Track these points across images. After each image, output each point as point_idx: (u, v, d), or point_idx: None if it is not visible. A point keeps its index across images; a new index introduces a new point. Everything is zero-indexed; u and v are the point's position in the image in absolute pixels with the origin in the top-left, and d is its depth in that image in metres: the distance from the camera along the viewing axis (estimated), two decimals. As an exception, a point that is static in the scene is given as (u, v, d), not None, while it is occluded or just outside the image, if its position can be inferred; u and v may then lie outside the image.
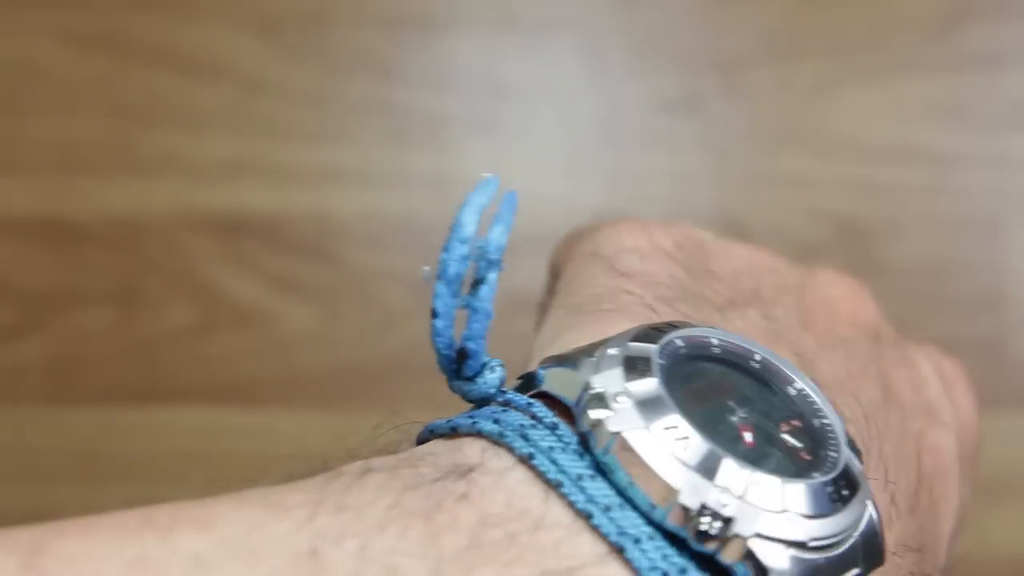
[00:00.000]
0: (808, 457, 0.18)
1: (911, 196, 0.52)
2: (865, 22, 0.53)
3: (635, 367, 0.18)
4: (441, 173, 0.52)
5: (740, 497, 0.16)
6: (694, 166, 0.52)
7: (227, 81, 0.52)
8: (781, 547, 0.17)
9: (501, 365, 0.19)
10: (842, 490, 0.18)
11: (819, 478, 0.17)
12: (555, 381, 0.19)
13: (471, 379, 0.19)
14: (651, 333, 0.19)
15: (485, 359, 0.19)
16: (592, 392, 0.17)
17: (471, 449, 0.18)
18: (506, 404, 0.19)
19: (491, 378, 0.19)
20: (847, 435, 0.19)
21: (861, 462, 0.19)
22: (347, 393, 0.50)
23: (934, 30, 0.53)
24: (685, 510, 0.16)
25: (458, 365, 0.18)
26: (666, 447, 0.17)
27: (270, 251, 0.51)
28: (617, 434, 0.17)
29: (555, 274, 0.27)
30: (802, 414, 0.19)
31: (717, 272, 0.25)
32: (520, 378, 0.20)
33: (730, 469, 0.17)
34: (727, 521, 0.16)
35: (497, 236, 0.18)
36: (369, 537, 0.15)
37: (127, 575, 0.15)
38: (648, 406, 0.17)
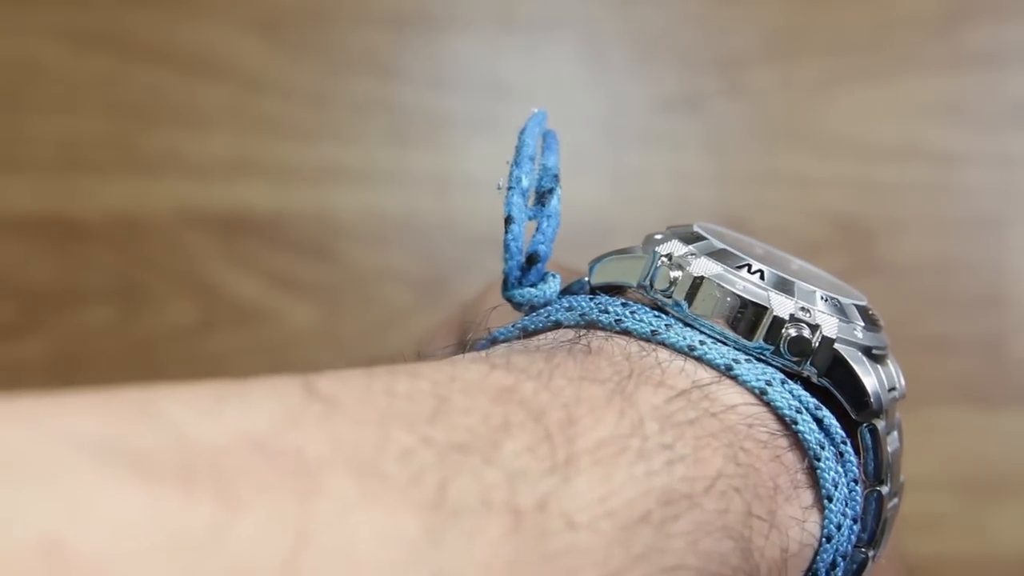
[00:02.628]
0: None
1: (912, 195, 0.52)
2: (866, 21, 0.53)
3: (688, 236, 0.20)
4: (442, 172, 0.52)
5: (818, 309, 0.19)
6: (695, 165, 0.52)
7: (228, 80, 0.52)
8: (857, 351, 0.19)
9: (555, 276, 0.20)
10: (875, 315, 0.20)
11: (863, 301, 0.20)
12: (604, 274, 0.20)
13: (534, 285, 0.20)
14: (675, 226, 0.21)
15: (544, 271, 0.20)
16: (662, 256, 0.19)
17: (561, 334, 0.19)
18: (568, 305, 0.20)
19: (553, 282, 0.20)
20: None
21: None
22: (348, 392, 0.50)
23: (935, 29, 0.53)
24: (775, 324, 0.18)
25: (523, 273, 0.20)
26: (746, 279, 0.19)
27: (271, 250, 0.51)
28: (701, 279, 0.19)
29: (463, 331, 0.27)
30: (817, 278, 0.21)
31: None
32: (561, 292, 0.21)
33: (803, 289, 0.19)
34: (814, 328, 0.18)
35: (553, 164, 0.20)
36: (544, 378, 0.16)
37: (387, 394, 0.15)
38: (717, 256, 0.19)
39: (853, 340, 0.19)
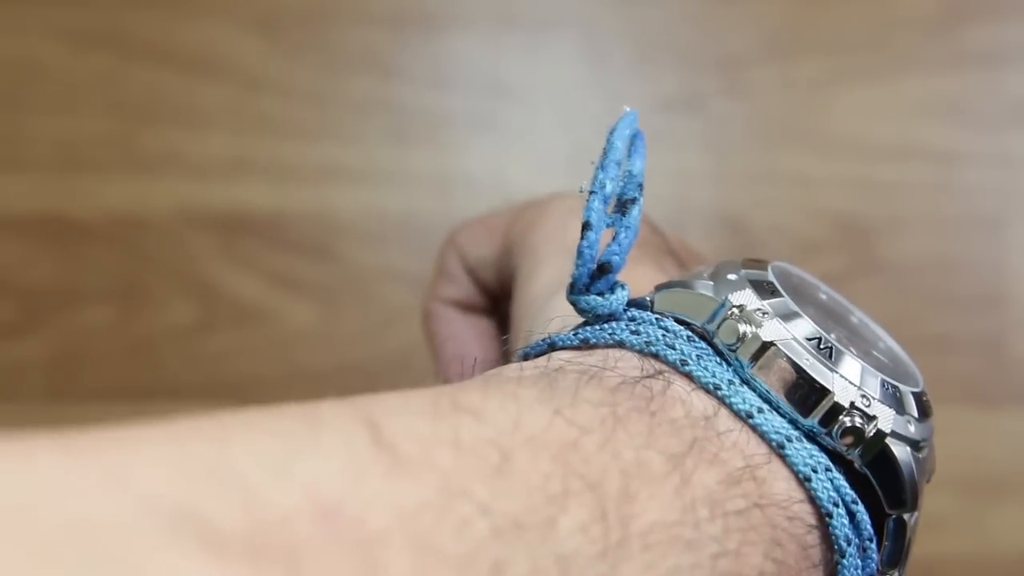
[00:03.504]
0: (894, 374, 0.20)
1: (912, 194, 0.52)
2: (866, 21, 0.53)
3: (763, 288, 0.20)
4: (442, 171, 0.52)
5: (877, 399, 0.18)
6: (695, 164, 0.52)
7: (228, 79, 0.52)
8: (905, 447, 0.19)
9: (624, 287, 0.20)
10: (927, 403, 0.20)
11: (919, 388, 0.20)
12: (670, 303, 0.20)
13: (601, 294, 0.19)
14: (750, 263, 0.20)
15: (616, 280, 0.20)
16: (734, 307, 0.19)
17: (621, 359, 0.19)
18: (632, 320, 0.20)
19: (621, 294, 0.19)
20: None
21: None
22: (348, 391, 0.50)
23: (935, 28, 0.53)
24: (834, 408, 0.18)
25: (592, 280, 0.19)
26: (815, 355, 0.18)
27: (271, 249, 0.51)
28: (771, 344, 0.18)
29: (512, 245, 0.27)
30: (876, 339, 0.21)
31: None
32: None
33: (869, 375, 0.19)
34: (871, 419, 0.18)
35: (639, 171, 0.20)
36: (607, 430, 0.16)
37: (452, 446, 0.15)
38: (789, 320, 0.19)
39: (905, 435, 0.19)
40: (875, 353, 0.20)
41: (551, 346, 0.20)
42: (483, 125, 0.52)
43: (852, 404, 0.18)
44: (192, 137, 0.52)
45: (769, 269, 0.20)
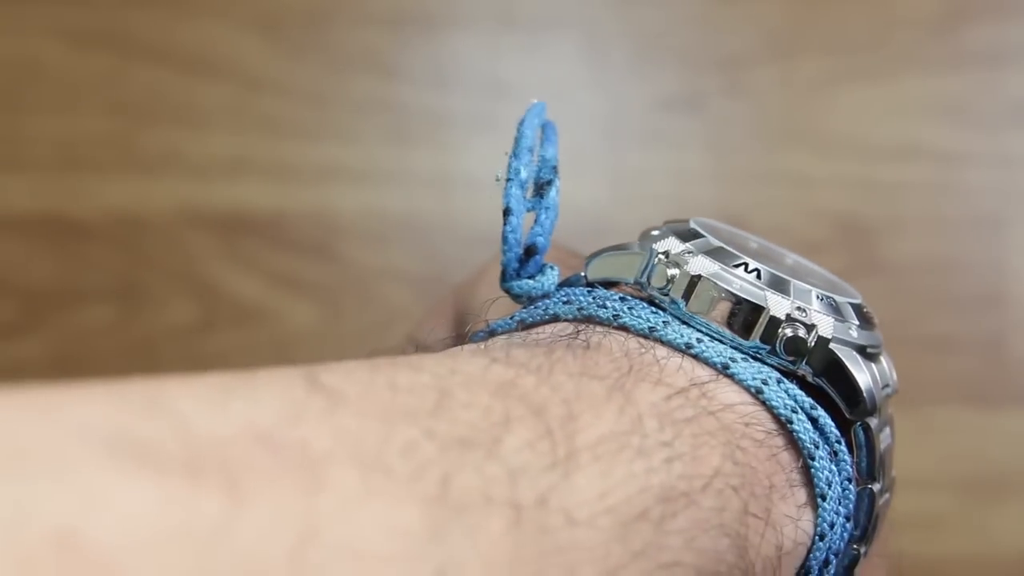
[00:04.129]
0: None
1: (912, 195, 0.52)
2: (866, 21, 0.53)
3: (686, 234, 0.20)
4: (442, 171, 0.52)
5: (814, 309, 0.19)
6: (695, 164, 0.52)
7: (228, 79, 0.52)
8: (853, 351, 0.19)
9: (554, 268, 0.20)
10: (869, 313, 0.20)
11: (857, 300, 0.20)
12: (601, 269, 0.21)
13: (532, 277, 0.20)
14: (672, 221, 0.21)
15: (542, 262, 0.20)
16: (659, 254, 0.20)
17: (560, 328, 0.19)
18: (565, 294, 0.20)
19: (551, 274, 0.20)
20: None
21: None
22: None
23: (935, 29, 0.53)
24: (772, 323, 0.19)
25: (521, 264, 0.20)
26: (743, 278, 0.19)
27: (271, 249, 0.51)
28: (699, 277, 0.19)
29: (462, 313, 0.26)
30: (811, 272, 0.21)
31: None
32: (559, 285, 0.21)
33: (799, 288, 0.19)
34: (810, 328, 0.19)
35: (552, 156, 0.21)
36: (544, 372, 0.17)
37: (390, 388, 0.15)
38: (714, 254, 0.20)
39: (848, 339, 0.19)
40: (810, 279, 0.21)
41: (490, 333, 0.20)
42: (483, 125, 0.52)
43: (788, 316, 0.19)
44: (192, 137, 0.52)
45: (691, 220, 0.21)
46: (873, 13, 0.53)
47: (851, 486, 0.19)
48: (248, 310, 0.51)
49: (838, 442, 0.19)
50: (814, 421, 0.19)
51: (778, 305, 0.19)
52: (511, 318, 0.20)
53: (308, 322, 0.51)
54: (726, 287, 0.19)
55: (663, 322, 0.19)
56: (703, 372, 0.18)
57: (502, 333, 0.20)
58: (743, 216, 0.52)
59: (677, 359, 0.18)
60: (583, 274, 0.21)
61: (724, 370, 0.19)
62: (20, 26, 0.52)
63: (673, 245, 0.20)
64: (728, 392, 0.18)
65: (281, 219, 0.51)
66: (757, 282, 0.19)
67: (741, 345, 0.19)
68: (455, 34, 0.53)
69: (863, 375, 0.19)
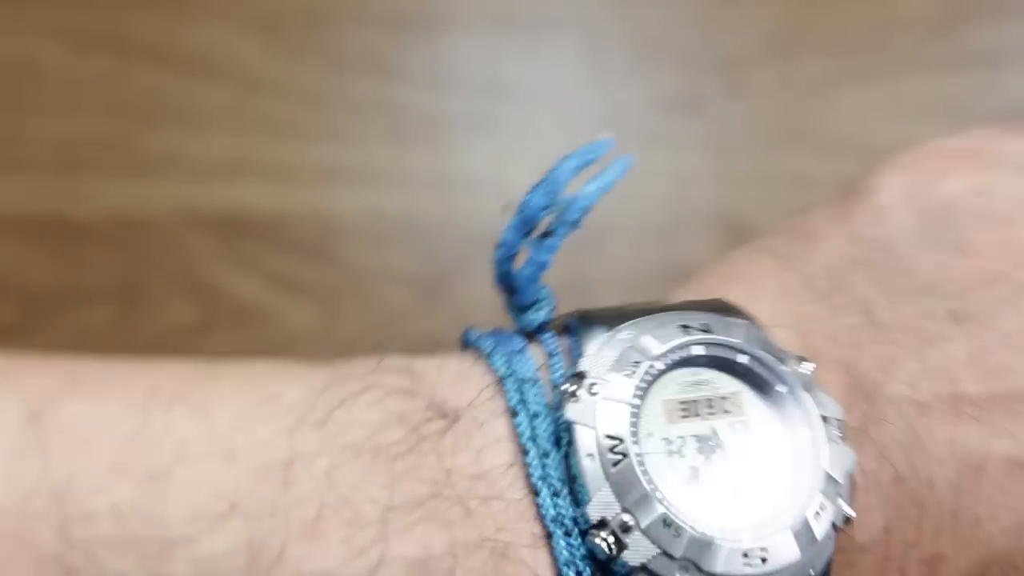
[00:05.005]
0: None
1: (911, 195, 0.52)
2: (865, 22, 0.53)
3: (627, 363, 0.19)
4: (442, 172, 0.52)
5: (642, 528, 0.18)
6: (694, 165, 0.52)
7: (228, 80, 0.52)
8: None
9: (551, 308, 0.21)
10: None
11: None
12: (588, 338, 0.20)
13: (523, 310, 0.21)
14: (678, 330, 0.20)
15: (539, 297, 0.20)
16: (576, 372, 0.19)
17: (471, 386, 0.19)
18: (538, 342, 0.20)
19: (535, 316, 0.20)
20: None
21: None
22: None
23: (934, 30, 0.53)
24: (600, 524, 0.18)
25: (510, 295, 0.20)
26: (598, 458, 0.18)
27: (271, 250, 0.51)
28: (572, 423, 0.19)
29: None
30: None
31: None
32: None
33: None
34: (621, 546, 0.18)
35: (586, 195, 0.20)
36: (339, 464, 0.17)
37: (118, 452, 0.17)
38: (610, 409, 0.19)
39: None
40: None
41: (465, 341, 0.21)
42: (483, 126, 0.52)
43: (603, 520, 0.18)
44: (192, 138, 0.52)
45: (680, 341, 0.20)
46: (873, 14, 0.53)
47: None
48: (248, 311, 0.51)
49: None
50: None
51: (601, 507, 0.18)
52: (482, 336, 0.21)
53: (307, 323, 0.51)
54: (577, 453, 0.19)
55: (543, 452, 0.19)
56: (528, 531, 0.18)
57: (471, 347, 0.21)
58: (743, 216, 0.52)
59: (513, 509, 0.18)
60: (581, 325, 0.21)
61: (549, 539, 0.18)
62: (20, 27, 0.52)
63: (596, 368, 0.19)
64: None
65: (281, 220, 0.51)
66: (608, 471, 0.18)
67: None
68: (454, 35, 0.53)
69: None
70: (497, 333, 0.21)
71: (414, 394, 0.19)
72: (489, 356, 0.20)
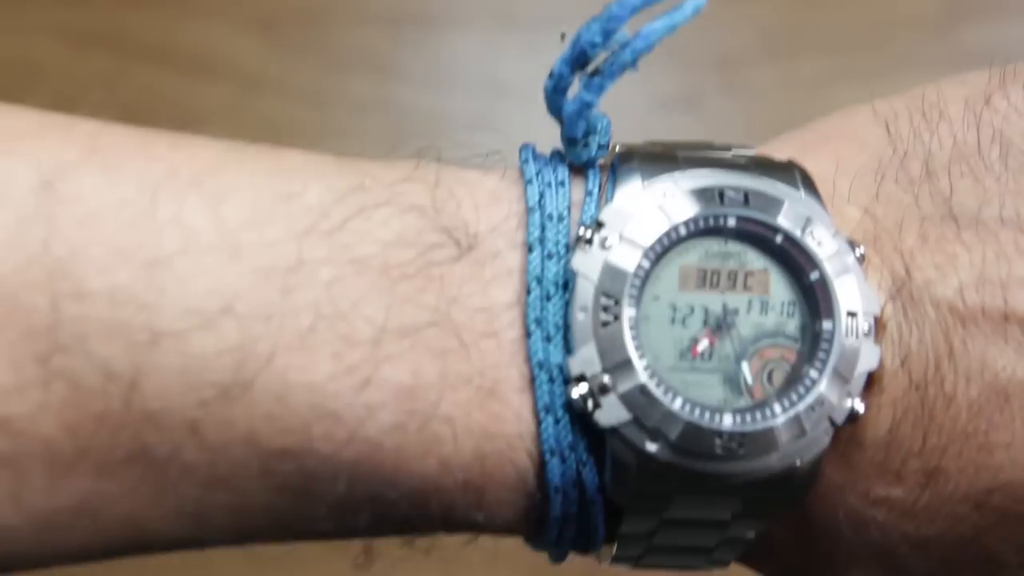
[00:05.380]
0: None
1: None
2: (864, 21, 0.53)
3: (647, 222, 0.19)
4: (441, 171, 0.52)
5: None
6: (694, 164, 0.52)
7: (227, 79, 0.52)
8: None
9: (602, 144, 0.20)
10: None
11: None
12: (622, 183, 0.19)
13: (572, 143, 0.20)
14: (713, 196, 0.19)
15: (592, 130, 0.20)
16: (598, 220, 0.19)
17: (498, 211, 0.19)
18: (585, 169, 0.20)
19: (583, 152, 0.20)
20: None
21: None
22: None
23: (933, 28, 0.53)
24: (580, 378, 0.18)
25: (560, 126, 0.20)
26: (590, 314, 0.18)
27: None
28: (574, 272, 0.18)
29: None
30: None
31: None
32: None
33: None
34: (596, 405, 0.18)
35: (645, 36, 0.19)
36: (342, 277, 0.17)
37: (122, 233, 0.17)
38: (614, 267, 0.18)
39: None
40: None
41: (523, 155, 0.20)
42: (482, 125, 0.52)
43: (582, 376, 0.18)
44: (191, 137, 0.52)
45: (718, 211, 0.19)
46: (872, 13, 0.53)
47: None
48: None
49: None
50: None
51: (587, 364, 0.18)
52: (534, 157, 0.20)
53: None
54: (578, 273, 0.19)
55: (547, 294, 0.19)
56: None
57: (530, 158, 0.20)
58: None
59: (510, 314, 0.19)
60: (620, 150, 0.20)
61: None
62: (20, 27, 0.52)
63: (615, 219, 0.19)
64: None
65: (280, 219, 0.51)
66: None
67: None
68: (454, 34, 0.53)
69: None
70: (546, 160, 0.20)
71: (436, 213, 0.18)
72: (528, 183, 0.19)
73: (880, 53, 0.53)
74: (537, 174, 0.20)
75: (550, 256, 0.19)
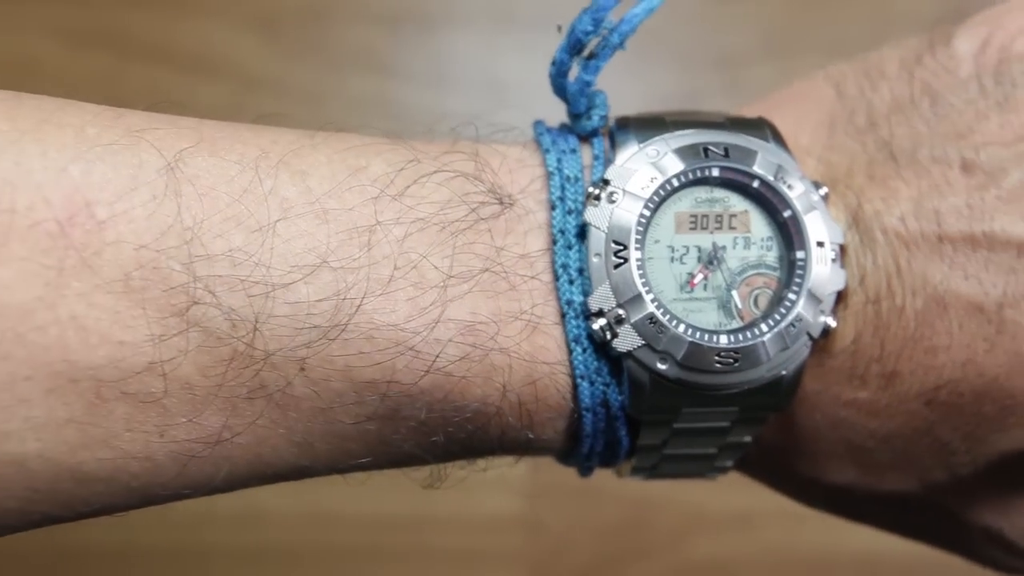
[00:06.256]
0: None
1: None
2: (863, 19, 0.53)
3: (645, 177, 0.22)
4: (440, 170, 0.52)
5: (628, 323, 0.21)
6: (693, 163, 0.52)
7: (227, 78, 0.52)
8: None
9: (603, 115, 0.23)
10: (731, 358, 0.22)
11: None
12: (621, 147, 0.23)
13: (577, 117, 0.24)
14: (698, 152, 0.22)
15: (594, 104, 0.23)
16: (603, 178, 0.22)
17: (524, 175, 0.22)
18: (591, 145, 0.23)
19: (588, 123, 0.23)
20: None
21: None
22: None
23: (933, 27, 0.53)
24: (598, 313, 0.21)
25: (566, 104, 0.23)
26: (603, 258, 0.21)
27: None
28: (587, 223, 0.22)
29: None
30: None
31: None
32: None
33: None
34: (614, 334, 0.21)
35: (629, 19, 0.23)
36: (411, 233, 0.20)
37: (234, 204, 0.20)
38: (621, 217, 0.21)
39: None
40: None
41: (536, 130, 0.24)
42: (481, 123, 0.52)
43: (601, 310, 0.21)
44: (191, 136, 0.52)
45: (701, 165, 0.22)
46: (871, 11, 0.53)
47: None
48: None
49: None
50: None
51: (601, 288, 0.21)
52: (547, 130, 0.24)
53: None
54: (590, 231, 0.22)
55: (576, 267, 0.22)
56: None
57: (541, 133, 0.24)
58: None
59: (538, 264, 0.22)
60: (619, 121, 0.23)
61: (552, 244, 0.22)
62: (18, 25, 0.52)
63: (620, 177, 0.22)
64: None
65: (280, 218, 0.51)
66: (613, 273, 0.21)
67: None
68: (453, 33, 0.53)
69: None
70: (558, 132, 0.24)
71: (478, 178, 0.22)
72: (546, 152, 0.23)
73: (879, 52, 0.53)
74: (553, 143, 0.23)
75: (570, 212, 0.22)
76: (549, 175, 0.22)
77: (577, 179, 0.22)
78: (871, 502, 0.25)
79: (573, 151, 0.23)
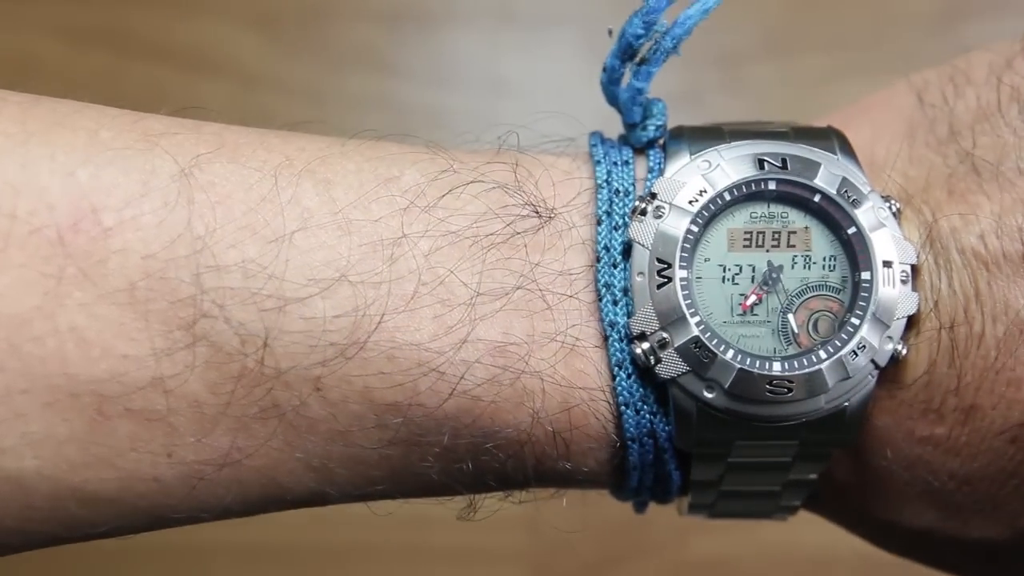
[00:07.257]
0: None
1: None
2: (864, 18, 0.53)
3: (694, 191, 0.20)
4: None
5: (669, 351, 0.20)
6: (694, 161, 0.52)
7: (227, 76, 0.52)
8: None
9: (659, 126, 0.22)
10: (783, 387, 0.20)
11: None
12: (672, 158, 0.21)
13: (631, 127, 0.22)
14: (753, 164, 0.21)
15: (650, 114, 0.22)
16: (651, 192, 0.21)
17: (571, 188, 0.21)
18: (644, 148, 0.22)
19: (643, 134, 0.22)
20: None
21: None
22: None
23: (933, 26, 0.53)
24: (640, 336, 0.20)
25: (625, 113, 0.22)
26: (647, 277, 0.20)
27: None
28: (631, 240, 0.20)
29: None
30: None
31: None
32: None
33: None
34: (657, 359, 0.20)
35: (682, 22, 0.22)
36: (440, 247, 0.19)
37: (250, 213, 0.19)
38: (666, 234, 0.20)
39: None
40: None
41: (592, 139, 0.23)
42: (483, 122, 0.52)
43: (643, 333, 0.20)
44: (191, 134, 0.52)
45: (760, 175, 0.21)
46: (872, 10, 0.53)
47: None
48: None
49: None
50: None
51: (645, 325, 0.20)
52: (602, 141, 0.23)
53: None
54: (636, 246, 0.20)
55: (619, 286, 0.20)
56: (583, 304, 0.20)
57: (594, 144, 0.23)
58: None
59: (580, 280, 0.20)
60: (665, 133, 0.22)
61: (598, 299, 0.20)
62: (19, 23, 0.52)
63: (668, 190, 0.21)
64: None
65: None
66: (654, 294, 0.20)
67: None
68: (454, 31, 0.53)
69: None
70: (612, 143, 0.22)
71: (517, 190, 0.20)
72: (597, 163, 0.21)
73: (880, 51, 0.53)
74: (604, 155, 0.22)
75: (616, 228, 0.21)
76: (597, 188, 0.21)
77: (628, 192, 0.21)
78: (955, 550, 0.23)
79: (626, 163, 0.22)
